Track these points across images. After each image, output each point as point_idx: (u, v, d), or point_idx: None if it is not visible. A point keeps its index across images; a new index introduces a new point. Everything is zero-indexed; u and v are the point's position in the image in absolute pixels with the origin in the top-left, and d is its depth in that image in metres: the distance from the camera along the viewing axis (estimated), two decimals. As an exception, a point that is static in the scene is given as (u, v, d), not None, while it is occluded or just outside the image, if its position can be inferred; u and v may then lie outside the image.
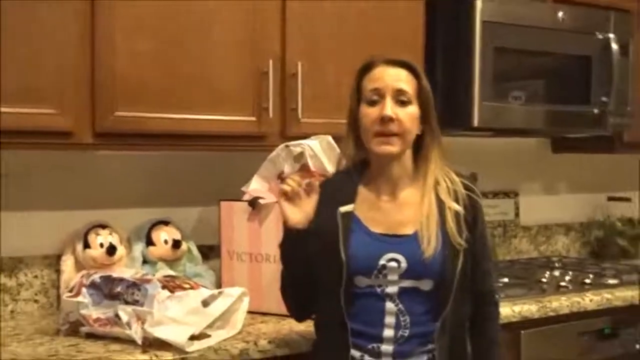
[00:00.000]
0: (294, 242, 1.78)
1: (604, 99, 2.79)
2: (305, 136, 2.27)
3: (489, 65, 2.55)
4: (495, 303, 1.87)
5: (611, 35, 2.78)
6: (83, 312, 1.93)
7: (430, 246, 1.68)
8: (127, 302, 1.91)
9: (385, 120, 1.68)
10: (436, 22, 2.59)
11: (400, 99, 1.70)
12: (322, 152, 2.24)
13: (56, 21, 1.96)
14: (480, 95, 2.54)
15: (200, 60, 2.17)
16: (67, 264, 2.28)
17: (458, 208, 1.74)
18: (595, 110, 2.79)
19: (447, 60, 2.62)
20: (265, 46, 2.26)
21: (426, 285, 1.70)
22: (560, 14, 2.70)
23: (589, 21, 2.79)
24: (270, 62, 2.25)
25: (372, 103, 1.72)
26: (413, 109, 1.72)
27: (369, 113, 1.71)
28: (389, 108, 1.68)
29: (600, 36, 2.78)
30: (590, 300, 2.50)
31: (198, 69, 2.16)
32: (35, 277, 2.31)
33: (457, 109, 2.60)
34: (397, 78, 1.72)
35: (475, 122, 2.55)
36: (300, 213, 1.77)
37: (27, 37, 1.93)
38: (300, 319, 1.91)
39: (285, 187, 1.78)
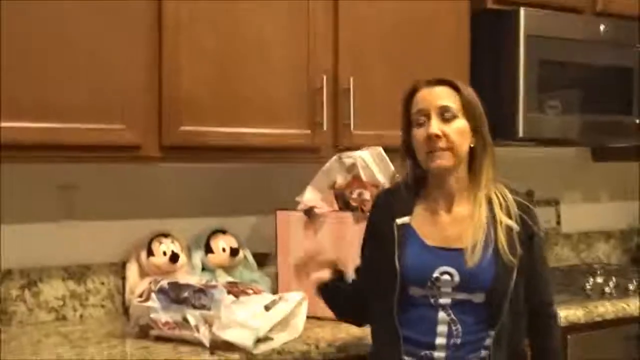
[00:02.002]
0: (330, 293, 1.94)
1: (645, 109, 2.86)
2: (357, 147, 2.36)
3: (533, 78, 2.63)
4: (554, 315, 1.90)
5: (651, 47, 2.86)
6: (153, 316, 2.04)
7: (474, 256, 1.71)
8: (194, 307, 2.00)
9: (432, 138, 1.73)
10: (481, 37, 2.68)
11: (445, 116, 1.74)
12: (373, 163, 2.33)
13: (127, 48, 2.09)
14: (525, 107, 2.62)
15: (259, 79, 2.28)
16: (132, 271, 2.39)
17: (511, 224, 1.76)
18: (637, 121, 2.86)
19: (491, 74, 2.70)
20: (318, 64, 2.37)
21: (478, 298, 1.73)
22: (602, 27, 2.77)
23: (630, 33, 2.85)
24: (324, 78, 2.35)
25: (420, 125, 1.76)
26: (460, 123, 1.75)
27: (418, 135, 1.77)
28: (435, 126, 1.73)
29: (641, 48, 2.86)
30: (634, 306, 2.55)
31: (256, 87, 2.28)
32: (102, 283, 2.43)
33: (501, 121, 2.67)
34: (438, 96, 1.75)
35: (521, 133, 2.62)
36: (328, 269, 1.94)
37: (100, 60, 2.06)
38: (361, 325, 1.99)
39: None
